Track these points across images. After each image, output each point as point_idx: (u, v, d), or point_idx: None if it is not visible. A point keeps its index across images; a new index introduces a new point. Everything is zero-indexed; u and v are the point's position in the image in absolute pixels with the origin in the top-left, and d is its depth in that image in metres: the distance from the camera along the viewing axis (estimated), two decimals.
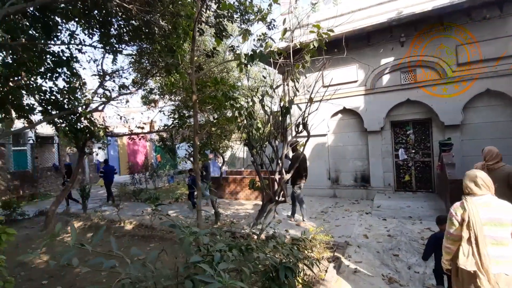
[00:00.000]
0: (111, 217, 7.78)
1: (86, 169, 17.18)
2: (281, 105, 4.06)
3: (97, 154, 17.08)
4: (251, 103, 4.38)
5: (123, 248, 5.65)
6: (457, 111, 6.86)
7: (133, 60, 9.03)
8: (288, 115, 4.16)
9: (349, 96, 8.17)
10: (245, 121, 4.17)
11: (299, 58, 4.12)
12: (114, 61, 7.57)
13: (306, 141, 4.42)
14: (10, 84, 6.32)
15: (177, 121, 6.88)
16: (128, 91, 9.50)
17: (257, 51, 3.85)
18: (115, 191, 11.45)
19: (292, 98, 4.17)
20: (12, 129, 7.76)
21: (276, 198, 4.20)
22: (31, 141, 14.17)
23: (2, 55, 5.64)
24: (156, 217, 6.71)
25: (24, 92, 6.50)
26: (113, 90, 9.90)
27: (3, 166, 12.68)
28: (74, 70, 6.67)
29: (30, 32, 5.43)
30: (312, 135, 8.98)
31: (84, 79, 7.46)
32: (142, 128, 9.15)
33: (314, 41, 3.58)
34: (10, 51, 5.51)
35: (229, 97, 4.42)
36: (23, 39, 5.09)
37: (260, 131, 4.46)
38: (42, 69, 6.21)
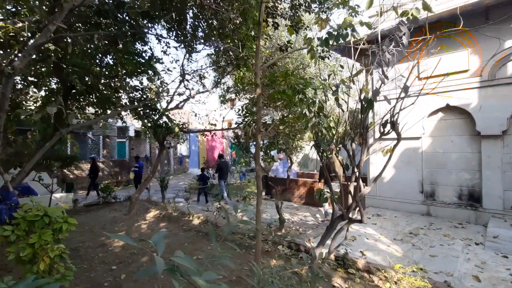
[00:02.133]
0: (183, 209, 8.13)
1: (171, 161, 19.06)
2: (362, 97, 3.21)
3: (176, 148, 18.66)
4: (322, 96, 3.65)
5: (186, 244, 5.70)
6: None
7: (212, 60, 9.28)
8: (370, 111, 3.26)
9: (455, 90, 6.44)
10: (314, 119, 3.47)
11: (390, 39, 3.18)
12: (189, 59, 7.82)
13: (395, 145, 3.44)
14: (111, 84, 7.22)
15: (247, 117, 6.61)
16: (205, 90, 9.84)
17: (333, 32, 3.12)
18: (186, 185, 12.16)
19: (378, 88, 3.25)
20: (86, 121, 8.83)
21: (350, 215, 3.37)
22: (129, 135, 16.51)
23: (99, 56, 6.40)
24: (219, 215, 6.61)
25: (121, 90, 7.34)
26: (192, 89, 10.46)
27: (107, 155, 15.07)
28: (156, 70, 7.15)
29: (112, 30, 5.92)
30: (403, 138, 7.52)
31: (162, 77, 7.93)
32: (214, 125, 9.32)
33: (415, 8, 2.62)
34: (106, 52, 6.20)
35: (298, 91, 3.79)
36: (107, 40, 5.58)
37: (332, 131, 3.69)
38: (130, 69, 6.82)
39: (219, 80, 10.05)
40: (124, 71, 6.80)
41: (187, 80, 9.67)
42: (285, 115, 6.00)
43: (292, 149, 17.09)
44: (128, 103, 7.59)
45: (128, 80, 7.23)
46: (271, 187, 9.70)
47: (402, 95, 3.05)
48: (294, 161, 17.86)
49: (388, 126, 3.25)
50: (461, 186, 6.51)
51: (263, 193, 10.16)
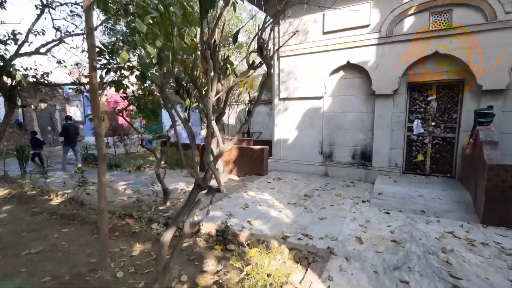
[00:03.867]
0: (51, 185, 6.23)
1: (59, 128, 15.50)
2: None
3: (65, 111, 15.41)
4: None
5: (30, 232, 4.15)
6: (503, 70, 4.93)
7: None
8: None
9: (356, 47, 6.17)
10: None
11: None
12: None
13: (265, 79, 2.61)
14: None
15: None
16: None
17: None
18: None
19: None
20: None
21: (208, 183, 2.50)
22: None
23: None
24: (82, 191, 5.14)
25: None
26: (61, 29, 7.93)
27: None
28: None
29: None
30: (304, 98, 7.14)
31: None
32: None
33: None
34: None
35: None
36: None
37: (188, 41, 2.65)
38: None
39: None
40: None
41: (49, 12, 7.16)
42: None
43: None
44: None
45: None
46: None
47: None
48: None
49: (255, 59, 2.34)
50: (356, 146, 6.57)
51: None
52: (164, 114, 21.04)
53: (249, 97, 12.81)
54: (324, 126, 6.85)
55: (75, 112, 19.05)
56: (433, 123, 5.87)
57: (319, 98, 6.79)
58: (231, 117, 15.66)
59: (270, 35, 6.71)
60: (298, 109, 7.12)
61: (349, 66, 6.42)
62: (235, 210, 4.50)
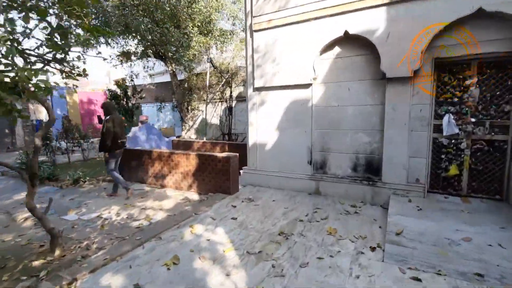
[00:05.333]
0: None
1: (18, 130, 13.64)
2: None
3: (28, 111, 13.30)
4: None
5: None
6: None
7: None
8: None
9: (357, 10, 4.27)
10: None
11: None
12: None
13: None
14: None
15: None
16: None
17: None
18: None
19: None
20: None
21: None
22: None
23: None
24: None
25: None
26: None
27: None
28: None
29: None
30: (286, 86, 5.19)
31: None
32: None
33: None
34: None
35: None
36: None
37: None
38: None
39: None
40: None
41: None
42: None
43: (184, 110, 13.98)
44: None
45: None
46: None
47: None
48: (191, 128, 14.91)
49: None
50: (358, 152, 4.66)
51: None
52: (146, 112, 19.19)
53: (230, 92, 10.90)
54: (314, 125, 4.95)
55: (40, 112, 17.18)
56: (473, 120, 3.96)
57: (307, 86, 4.89)
58: (214, 116, 13.77)
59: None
60: (279, 102, 5.22)
61: (347, 39, 4.52)
62: (153, 272, 2.61)
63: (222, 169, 5.04)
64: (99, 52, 11.18)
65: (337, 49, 4.67)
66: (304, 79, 4.81)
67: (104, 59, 12.88)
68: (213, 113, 13.92)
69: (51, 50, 2.93)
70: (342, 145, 4.76)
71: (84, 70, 3.07)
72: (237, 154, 5.21)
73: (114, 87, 13.91)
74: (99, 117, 6.73)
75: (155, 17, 9.60)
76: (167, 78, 17.84)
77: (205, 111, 11.66)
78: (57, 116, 15.14)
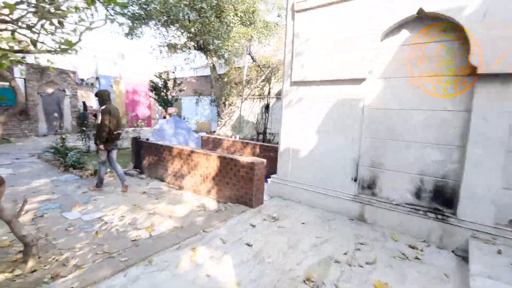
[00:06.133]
0: None
1: (65, 115, 14.44)
2: None
3: (76, 98, 14.26)
4: None
5: None
6: None
7: None
8: None
9: None
10: None
11: None
12: None
13: None
14: None
15: None
16: None
17: None
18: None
19: None
20: None
21: None
22: None
23: None
24: None
25: None
26: None
27: None
28: None
29: None
30: (332, 81, 4.02)
31: None
32: None
33: None
34: None
35: None
36: None
37: None
38: None
39: None
40: None
41: None
42: None
43: (221, 105, 13.51)
44: None
45: None
46: (141, 156, 6.17)
47: None
48: (227, 124, 14.40)
49: None
50: (424, 173, 3.48)
51: (131, 166, 6.60)
52: (186, 106, 19.30)
53: (269, 88, 10.04)
54: (365, 132, 3.87)
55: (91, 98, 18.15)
56: None
57: (359, 81, 3.82)
58: (251, 113, 13.06)
59: None
60: (320, 100, 4.23)
61: (421, 20, 3.36)
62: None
63: (245, 176, 4.23)
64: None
65: (405, 34, 3.52)
66: (356, 72, 3.76)
67: (152, 50, 12.97)
68: (250, 110, 13.24)
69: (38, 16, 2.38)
70: (402, 162, 3.61)
71: (71, 42, 2.46)
72: (264, 160, 4.34)
73: (156, 79, 13.99)
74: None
75: (195, 5, 9.13)
76: (208, 71, 17.64)
77: (241, 107, 11.00)
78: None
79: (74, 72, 14.75)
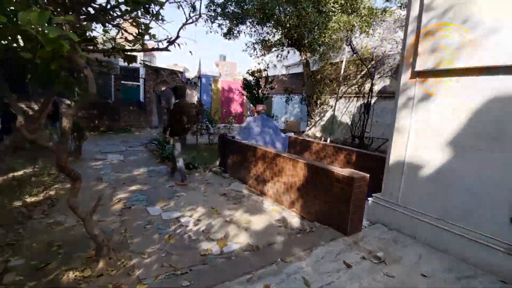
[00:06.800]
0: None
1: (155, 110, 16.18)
2: None
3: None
4: None
5: None
6: None
7: None
8: None
9: None
10: None
11: None
12: None
13: None
14: None
15: None
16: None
17: None
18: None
19: None
20: None
21: None
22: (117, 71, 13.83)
23: None
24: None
25: None
26: None
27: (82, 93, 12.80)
28: None
29: None
30: (487, 68, 2.74)
31: None
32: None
33: None
34: None
35: None
36: None
37: None
38: None
39: None
40: None
41: None
42: None
43: (312, 103, 12.57)
44: None
45: None
46: (226, 154, 6.00)
47: None
48: (317, 124, 13.35)
49: None
50: None
51: (217, 163, 6.51)
52: (276, 104, 19.15)
53: (371, 84, 8.54)
54: None
55: (195, 95, 20.01)
56: None
57: None
58: (345, 114, 11.67)
59: None
60: (462, 97, 2.91)
61: None
62: None
63: (339, 193, 3.33)
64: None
65: None
66: None
67: (246, 48, 13.23)
68: (344, 110, 11.86)
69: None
70: None
71: (147, 26, 2.16)
72: (367, 175, 3.33)
73: (249, 77, 14.21)
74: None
75: None
76: (300, 69, 16.93)
77: (335, 106, 9.84)
78: (204, 101, 17.05)
79: (181, 73, 16.52)
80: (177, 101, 5.06)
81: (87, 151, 7.63)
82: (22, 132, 2.06)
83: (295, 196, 4.05)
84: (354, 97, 11.18)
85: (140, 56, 17.68)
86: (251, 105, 19.89)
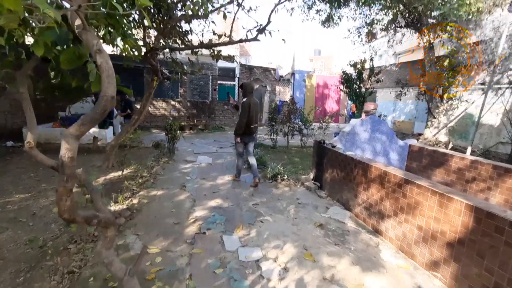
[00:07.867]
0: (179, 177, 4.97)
1: (264, 108, 15.86)
2: None
3: (274, 93, 15.53)
4: None
5: None
6: None
7: None
8: None
9: None
10: None
11: None
12: None
13: None
14: None
15: None
16: None
17: None
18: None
19: None
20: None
21: None
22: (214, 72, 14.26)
23: None
24: None
25: None
26: None
27: (184, 94, 13.67)
28: None
29: None
30: None
31: None
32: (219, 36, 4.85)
33: None
34: None
35: None
36: None
37: None
38: None
39: None
40: None
41: None
42: None
43: (435, 98, 9.75)
44: None
45: None
46: (323, 166, 4.80)
47: None
48: (442, 125, 10.30)
49: None
50: None
51: (311, 175, 5.32)
52: (381, 100, 16.32)
53: None
54: None
55: (287, 93, 19.20)
56: None
57: None
58: (490, 111, 8.46)
59: None
60: None
61: None
62: None
63: None
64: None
65: None
66: None
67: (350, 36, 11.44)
68: (489, 106, 8.64)
69: None
70: None
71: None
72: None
73: (349, 70, 12.31)
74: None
75: None
76: (416, 56, 13.76)
77: (480, 100, 7.11)
78: (297, 99, 15.97)
79: (274, 70, 15.93)
80: (244, 99, 4.68)
81: (182, 151, 7.74)
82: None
83: (439, 251, 2.49)
84: (507, 87, 7.96)
85: (236, 55, 18.01)
86: (349, 102, 17.63)
